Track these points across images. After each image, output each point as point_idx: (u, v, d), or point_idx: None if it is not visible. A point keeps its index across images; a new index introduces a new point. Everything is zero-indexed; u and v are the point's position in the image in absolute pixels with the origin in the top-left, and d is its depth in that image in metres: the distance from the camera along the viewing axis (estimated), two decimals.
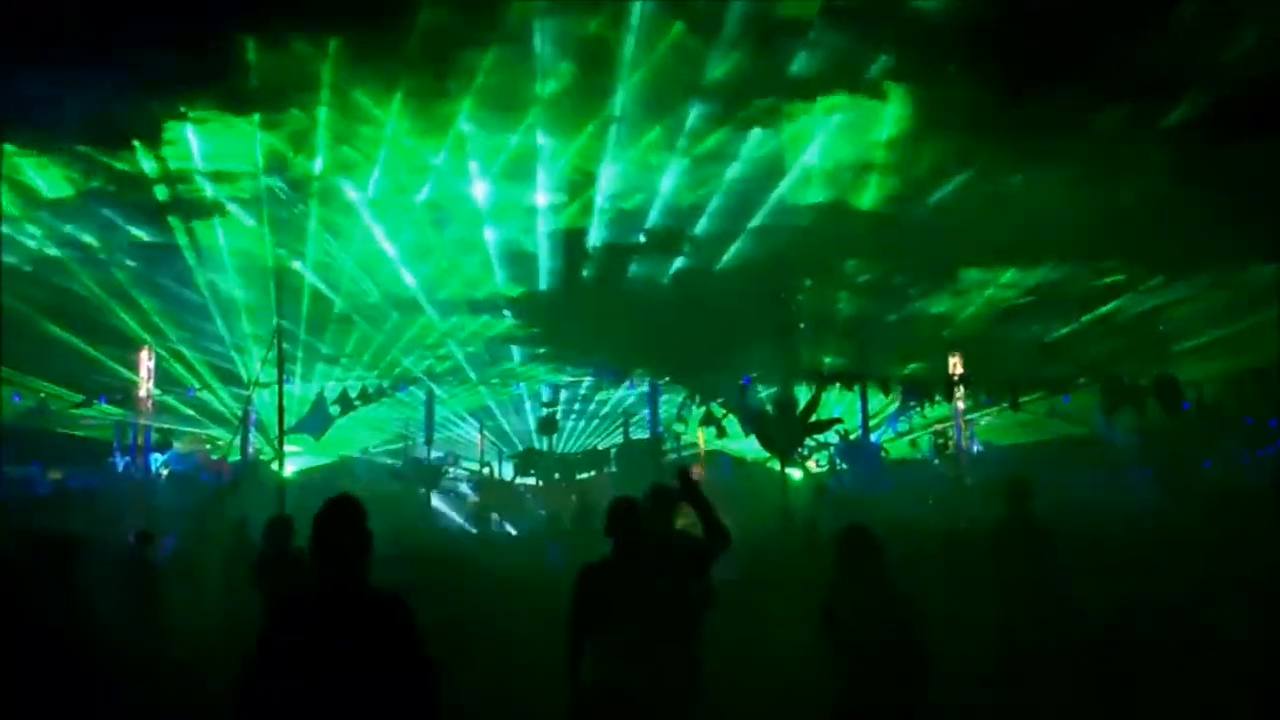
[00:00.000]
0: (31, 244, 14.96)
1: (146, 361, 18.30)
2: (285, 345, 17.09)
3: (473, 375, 19.79)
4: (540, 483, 19.14)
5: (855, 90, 11.91)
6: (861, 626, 5.02)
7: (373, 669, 3.42)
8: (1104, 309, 16.61)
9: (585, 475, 19.26)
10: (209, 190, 13.98)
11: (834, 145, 12.97)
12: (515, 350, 19.15)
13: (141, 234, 15.08)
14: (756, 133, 12.67)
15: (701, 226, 14.96)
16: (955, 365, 18.95)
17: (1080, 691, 6.45)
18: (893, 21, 10.88)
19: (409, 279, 16.68)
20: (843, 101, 12.12)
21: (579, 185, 13.81)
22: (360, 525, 3.61)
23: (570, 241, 15.39)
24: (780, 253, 15.35)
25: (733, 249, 15.55)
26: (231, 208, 14.49)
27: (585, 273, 16.20)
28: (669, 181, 13.75)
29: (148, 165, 13.23)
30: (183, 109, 12.02)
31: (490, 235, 15.43)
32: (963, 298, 16.85)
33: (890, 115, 12.49)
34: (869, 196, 14.04)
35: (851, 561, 5.20)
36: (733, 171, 13.68)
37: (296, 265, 15.85)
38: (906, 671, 4.94)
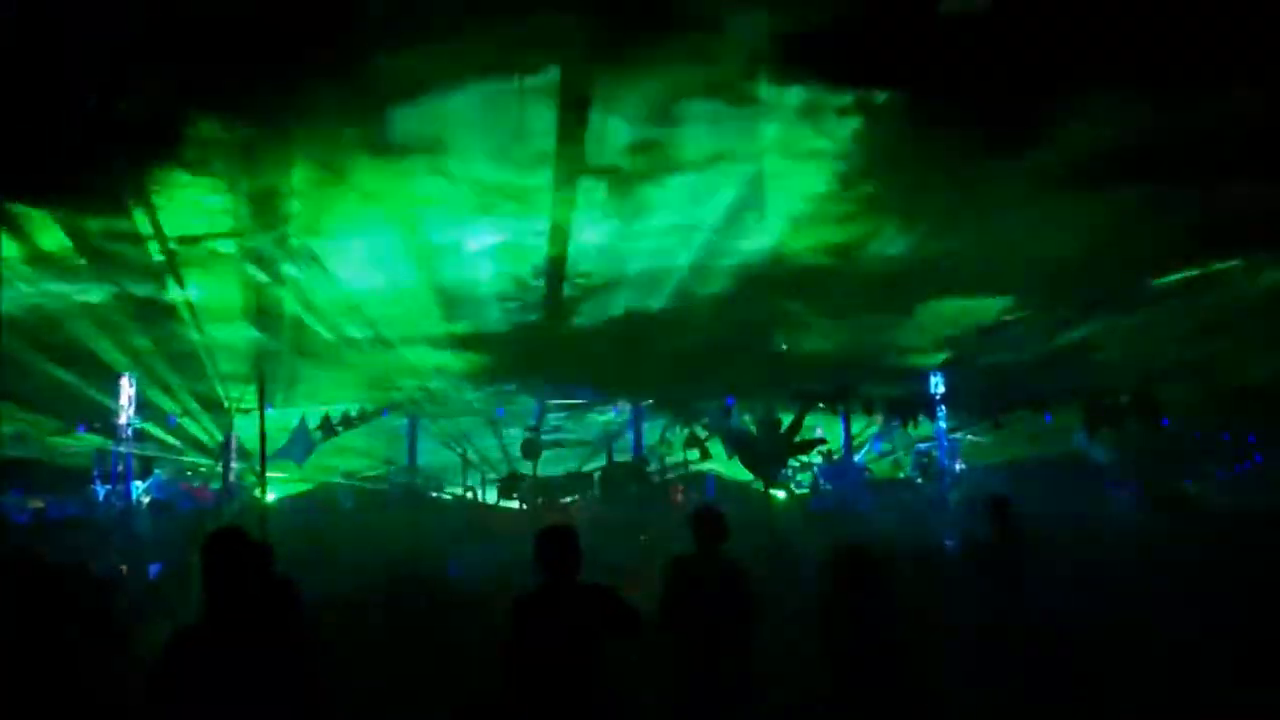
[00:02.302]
0: (24, 288, 15.08)
1: (127, 389, 18.18)
2: (267, 377, 17.12)
3: (454, 403, 19.77)
4: (524, 506, 19.10)
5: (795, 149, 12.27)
6: (860, 638, 5.16)
7: (265, 693, 3.54)
8: (1078, 333, 16.73)
9: (569, 499, 19.23)
10: (196, 244, 14.21)
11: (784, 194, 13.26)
12: (498, 378, 19.17)
13: (132, 284, 15.26)
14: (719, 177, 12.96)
15: (676, 263, 15.12)
16: (937, 385, 19.08)
17: (1060, 706, 6.49)
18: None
19: (389, 316, 16.71)
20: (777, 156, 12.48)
21: (555, 227, 14.06)
22: (244, 555, 3.73)
23: (548, 277, 15.50)
24: (752, 288, 15.51)
25: (710, 285, 15.69)
26: (217, 259, 14.67)
27: (564, 304, 16.27)
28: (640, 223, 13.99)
29: (139, 223, 13.51)
30: (167, 175, 12.41)
31: (468, 274, 15.53)
32: (939, 323, 16.96)
33: (826, 171, 12.78)
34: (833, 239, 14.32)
35: (851, 578, 5.34)
36: (702, 216, 13.92)
37: (279, 305, 15.91)
38: (903, 678, 5.06)
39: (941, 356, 18.42)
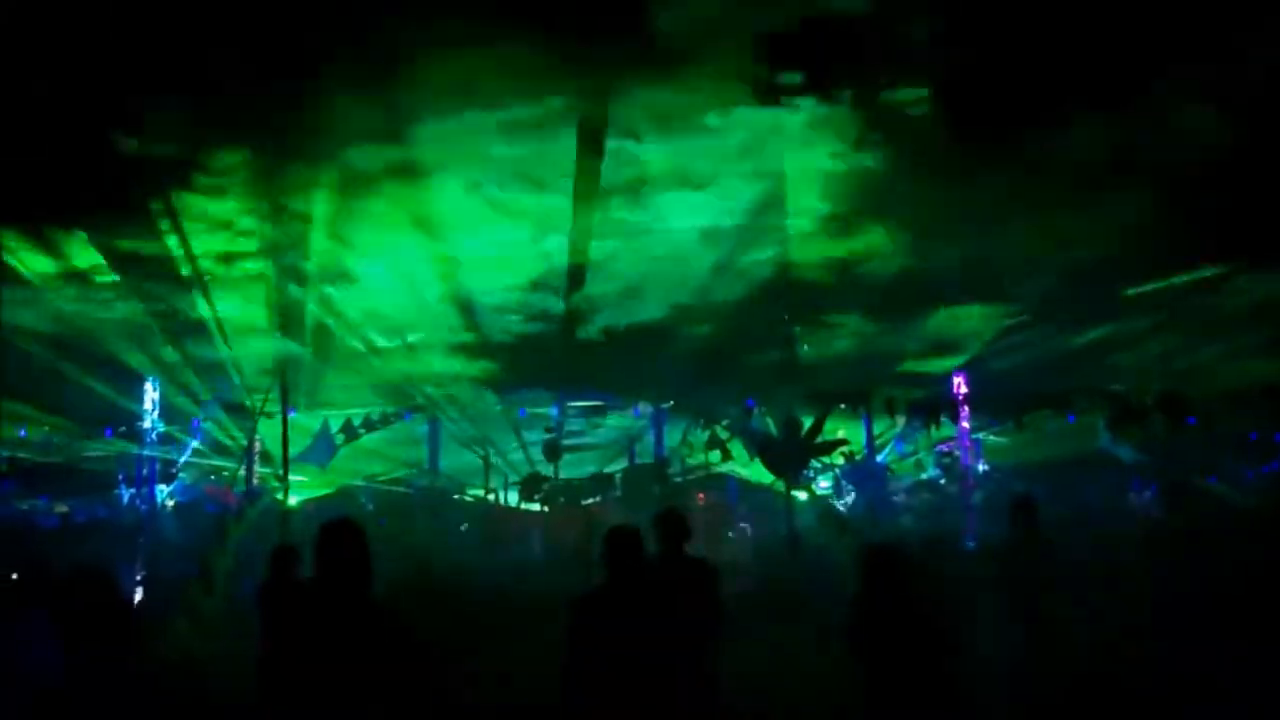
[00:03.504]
0: (57, 302, 15.31)
1: (151, 393, 18.31)
2: (290, 382, 17.21)
3: (475, 406, 19.81)
4: (545, 508, 19.13)
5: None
6: (892, 636, 5.11)
7: (373, 671, 3.66)
8: (1101, 330, 16.57)
9: (591, 500, 19.23)
10: (223, 261, 14.44)
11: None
12: (519, 383, 19.21)
13: (161, 298, 15.48)
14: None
15: (693, 271, 15.16)
16: (959, 386, 18.95)
17: (1086, 707, 6.44)
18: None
19: (411, 324, 16.80)
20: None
21: (573, 239, 14.17)
22: (358, 544, 3.82)
23: (567, 285, 15.57)
24: (769, 295, 15.52)
25: (727, 292, 15.71)
26: (244, 274, 14.87)
27: (583, 310, 16.31)
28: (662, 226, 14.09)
29: (169, 243, 13.76)
30: (195, 199, 12.73)
31: (488, 283, 15.61)
32: (959, 324, 16.88)
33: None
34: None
35: (877, 575, 5.29)
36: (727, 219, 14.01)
37: (302, 315, 16.06)
38: (939, 676, 5.00)
39: (963, 358, 18.33)
